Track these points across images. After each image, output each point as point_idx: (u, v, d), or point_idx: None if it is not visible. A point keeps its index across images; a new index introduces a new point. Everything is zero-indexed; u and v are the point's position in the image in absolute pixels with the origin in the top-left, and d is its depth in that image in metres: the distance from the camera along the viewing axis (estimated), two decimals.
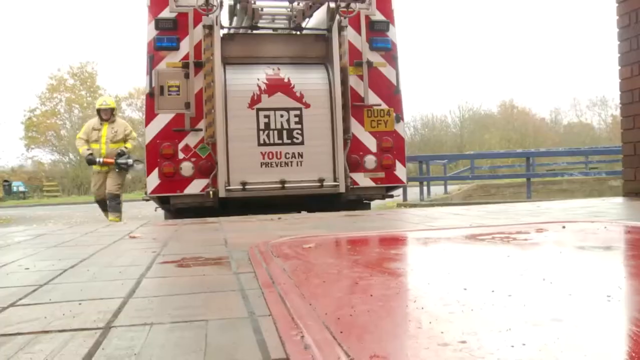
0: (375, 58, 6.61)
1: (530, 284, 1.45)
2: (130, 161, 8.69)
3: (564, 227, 2.64)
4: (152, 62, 6.09)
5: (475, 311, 1.17)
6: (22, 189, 33.99)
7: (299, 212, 6.98)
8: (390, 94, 6.61)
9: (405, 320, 1.07)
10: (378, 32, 6.66)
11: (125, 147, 8.83)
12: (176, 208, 6.18)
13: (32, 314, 1.28)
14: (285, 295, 1.28)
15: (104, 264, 2.00)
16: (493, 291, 1.34)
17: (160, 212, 7.65)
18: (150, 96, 6.07)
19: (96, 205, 9.37)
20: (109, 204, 8.72)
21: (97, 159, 8.64)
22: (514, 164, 26.61)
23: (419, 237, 2.47)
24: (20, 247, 2.79)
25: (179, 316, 1.17)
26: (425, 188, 14.98)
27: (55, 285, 1.62)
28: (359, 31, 6.58)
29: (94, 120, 9.00)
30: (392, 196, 7.43)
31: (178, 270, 1.79)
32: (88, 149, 8.75)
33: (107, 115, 8.81)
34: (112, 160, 8.63)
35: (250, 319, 1.13)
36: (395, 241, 2.41)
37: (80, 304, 1.35)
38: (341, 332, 0.99)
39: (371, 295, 1.29)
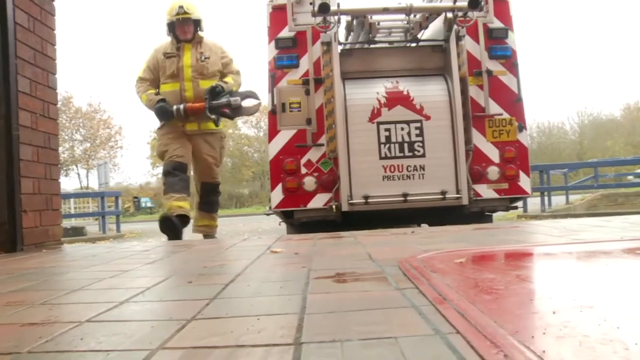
0: (495, 66, 6.44)
1: None
2: (235, 99, 5.47)
3: None
4: (274, 80, 6.28)
5: None
6: (149, 204, 36.39)
7: (419, 225, 6.92)
8: (512, 102, 6.41)
9: (607, 340, 1.02)
10: (497, 40, 6.50)
11: (224, 82, 5.60)
12: (300, 222, 6.31)
13: (217, 327, 1.35)
14: (465, 312, 1.26)
15: (261, 279, 2.07)
16: None
17: (284, 225, 7.83)
18: (272, 113, 6.26)
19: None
20: (205, 200, 5.87)
21: (175, 107, 5.35)
22: None
23: (571, 250, 2.36)
24: (173, 260, 2.96)
25: (364, 333, 1.19)
26: (546, 198, 14.35)
27: (225, 300, 1.70)
28: (477, 40, 6.44)
29: (165, 44, 5.67)
30: (516, 207, 7.18)
31: (337, 286, 1.82)
32: (157, 93, 5.52)
33: (188, 32, 5.52)
34: (201, 104, 5.36)
35: (438, 335, 1.13)
36: (549, 255, 2.31)
37: (258, 319, 1.39)
38: (544, 351, 0.96)
39: (554, 313, 1.24)
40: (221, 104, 5.42)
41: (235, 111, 5.60)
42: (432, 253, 2.29)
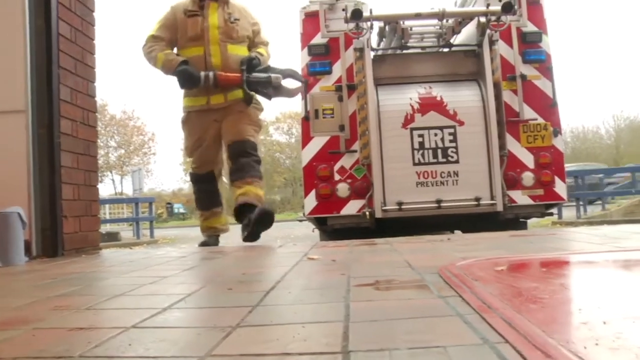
0: (529, 71, 6.38)
1: None
2: (277, 77, 4.55)
3: None
4: (307, 86, 6.31)
5: None
6: (182, 210, 36.80)
7: (453, 232, 6.86)
8: (546, 107, 6.34)
9: None
10: (531, 44, 6.44)
11: (259, 54, 4.64)
12: (333, 228, 6.31)
13: (262, 335, 1.35)
14: (511, 321, 1.25)
15: (301, 286, 2.07)
16: None
17: (317, 232, 7.84)
18: (306, 120, 6.29)
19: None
20: (236, 166, 4.45)
21: (204, 73, 4.36)
22: None
23: (614, 259, 2.32)
24: (210, 267, 2.99)
25: (411, 341, 1.18)
26: (581, 205, 14.10)
27: (267, 307, 1.70)
28: (510, 44, 6.39)
29: (185, 2, 4.62)
30: (551, 214, 7.08)
31: (378, 293, 1.82)
32: (178, 54, 4.55)
33: None
34: (237, 76, 4.43)
35: (487, 345, 1.12)
36: (591, 264, 2.27)
37: (303, 326, 1.40)
38: None
39: (604, 323, 1.22)
40: (260, 79, 4.48)
41: (276, 91, 4.62)
42: (471, 260, 2.27)
